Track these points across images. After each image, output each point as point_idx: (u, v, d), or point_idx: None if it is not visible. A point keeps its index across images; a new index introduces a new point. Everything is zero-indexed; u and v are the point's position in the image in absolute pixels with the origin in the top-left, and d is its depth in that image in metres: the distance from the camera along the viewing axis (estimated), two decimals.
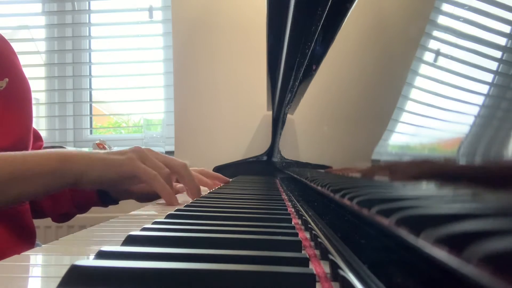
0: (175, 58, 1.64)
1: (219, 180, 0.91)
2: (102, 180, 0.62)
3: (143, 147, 0.66)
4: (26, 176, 0.59)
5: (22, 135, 0.82)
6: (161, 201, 0.67)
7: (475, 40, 0.17)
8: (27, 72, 0.91)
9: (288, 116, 0.99)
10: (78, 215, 0.86)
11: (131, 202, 0.82)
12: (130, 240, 0.29)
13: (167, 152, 1.65)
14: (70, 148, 0.65)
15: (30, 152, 0.62)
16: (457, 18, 0.18)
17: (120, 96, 2.06)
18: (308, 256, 0.25)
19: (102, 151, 0.66)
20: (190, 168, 0.87)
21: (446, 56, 0.19)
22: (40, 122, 1.90)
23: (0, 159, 0.59)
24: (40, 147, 0.99)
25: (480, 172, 0.13)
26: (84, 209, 0.82)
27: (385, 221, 0.21)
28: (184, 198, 0.71)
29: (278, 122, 1.40)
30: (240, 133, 1.60)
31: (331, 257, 0.27)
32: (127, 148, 0.65)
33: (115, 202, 0.82)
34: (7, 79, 0.81)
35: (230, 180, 0.98)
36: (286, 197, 0.71)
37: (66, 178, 0.61)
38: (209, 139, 1.62)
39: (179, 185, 0.80)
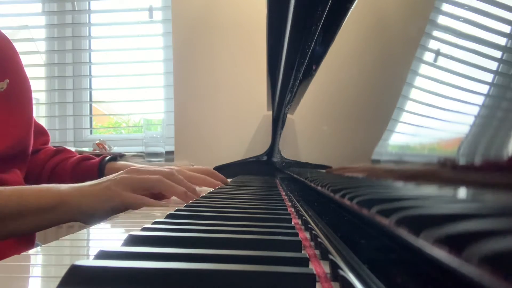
0: (175, 58, 1.64)
1: (221, 182, 0.90)
2: (98, 215, 0.63)
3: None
4: (22, 213, 0.59)
5: (22, 136, 0.82)
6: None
7: (475, 40, 0.17)
8: (27, 72, 0.91)
9: (288, 116, 0.99)
10: None
11: None
12: (130, 240, 0.29)
13: (167, 152, 1.65)
14: (62, 185, 0.65)
15: (27, 188, 0.62)
16: (457, 18, 0.18)
17: (120, 96, 2.06)
18: (308, 256, 0.25)
19: (94, 181, 0.66)
20: (195, 167, 0.87)
21: (446, 56, 0.19)
22: (40, 122, 1.90)
23: None
24: (46, 142, 0.99)
25: (480, 172, 0.13)
26: None
27: (385, 221, 0.21)
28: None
29: (278, 122, 1.40)
30: (240, 133, 1.60)
31: (331, 257, 0.27)
32: (114, 175, 0.65)
33: None
34: (7, 80, 0.81)
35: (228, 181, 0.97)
36: (286, 197, 0.71)
37: (62, 215, 0.61)
38: (209, 139, 1.62)
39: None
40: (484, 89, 0.15)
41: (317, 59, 0.62)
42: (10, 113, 0.80)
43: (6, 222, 0.58)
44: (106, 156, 0.91)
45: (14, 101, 0.82)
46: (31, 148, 0.86)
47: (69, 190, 0.62)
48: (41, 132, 0.98)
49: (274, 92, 1.26)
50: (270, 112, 1.50)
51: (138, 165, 0.78)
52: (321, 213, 0.47)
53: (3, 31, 0.88)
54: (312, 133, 0.59)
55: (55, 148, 0.98)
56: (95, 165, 0.88)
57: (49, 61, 1.91)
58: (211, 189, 0.81)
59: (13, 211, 0.58)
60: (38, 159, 0.92)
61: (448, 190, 0.15)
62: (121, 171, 0.67)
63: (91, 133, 1.95)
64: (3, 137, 0.77)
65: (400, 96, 0.23)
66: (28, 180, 0.85)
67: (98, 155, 0.93)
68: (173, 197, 0.70)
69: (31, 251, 0.33)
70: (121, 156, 1.49)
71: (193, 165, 1.18)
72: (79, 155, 0.95)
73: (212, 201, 0.59)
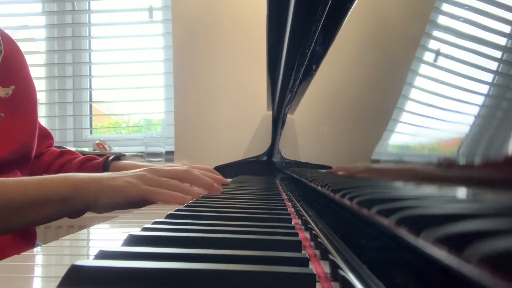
0: (175, 58, 1.64)
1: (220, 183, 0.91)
2: (111, 206, 0.64)
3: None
4: (40, 203, 0.60)
5: (26, 141, 0.83)
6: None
7: (475, 40, 0.17)
8: None
9: (288, 116, 0.99)
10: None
11: None
12: (130, 240, 0.29)
13: (167, 152, 1.65)
14: (79, 174, 0.66)
15: (44, 178, 0.63)
16: (457, 18, 0.18)
17: (120, 96, 2.06)
18: (308, 256, 0.25)
19: (112, 174, 0.67)
20: (197, 166, 0.87)
21: (446, 56, 0.19)
22: (40, 122, 1.90)
23: (15, 184, 0.59)
24: (50, 145, 1.00)
25: (480, 172, 0.13)
26: None
27: (385, 221, 0.21)
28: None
29: (278, 122, 1.40)
30: (240, 133, 1.60)
31: (331, 257, 0.27)
32: (133, 171, 0.67)
33: None
34: (13, 87, 0.81)
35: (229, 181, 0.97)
36: (286, 197, 0.71)
37: (78, 205, 0.62)
38: (209, 139, 1.62)
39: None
40: (484, 89, 0.15)
41: (317, 59, 0.62)
42: (15, 118, 0.81)
43: (24, 211, 0.59)
44: (110, 156, 0.92)
45: (19, 106, 0.83)
46: (34, 152, 0.87)
47: (87, 181, 0.63)
48: (45, 136, 1.00)
49: (274, 92, 1.26)
50: (270, 112, 1.50)
51: (147, 163, 0.80)
52: (321, 213, 0.47)
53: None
54: (312, 133, 0.59)
55: (59, 150, 0.99)
56: (99, 164, 0.89)
57: (49, 61, 1.91)
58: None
59: (31, 201, 0.59)
60: (43, 162, 0.94)
61: (448, 190, 0.15)
62: (140, 169, 0.68)
63: (91, 133, 1.95)
64: (8, 143, 0.78)
65: (400, 96, 0.23)
66: None
67: (100, 155, 0.94)
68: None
69: (31, 251, 0.33)
70: (121, 156, 1.49)
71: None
72: (82, 156, 0.96)
73: (212, 201, 0.59)
